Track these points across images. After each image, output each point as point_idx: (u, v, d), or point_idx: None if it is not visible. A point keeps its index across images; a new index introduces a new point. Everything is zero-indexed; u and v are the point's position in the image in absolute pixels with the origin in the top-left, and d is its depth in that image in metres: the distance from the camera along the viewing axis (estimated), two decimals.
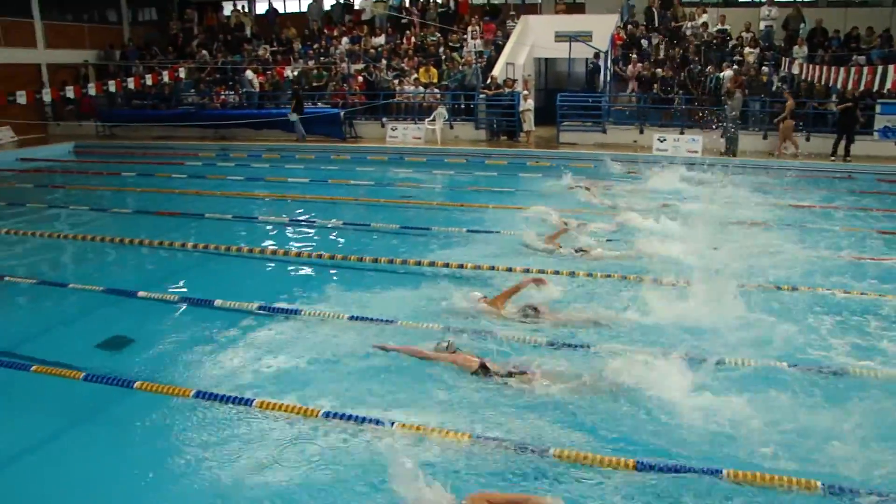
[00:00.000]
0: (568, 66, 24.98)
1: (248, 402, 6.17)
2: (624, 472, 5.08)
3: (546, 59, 26.49)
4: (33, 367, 7.07)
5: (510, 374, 6.37)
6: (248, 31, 30.38)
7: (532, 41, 24.95)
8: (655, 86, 22.43)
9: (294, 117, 23.35)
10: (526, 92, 22.36)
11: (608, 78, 23.09)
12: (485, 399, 6.14)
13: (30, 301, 9.67)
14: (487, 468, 5.14)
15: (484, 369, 6.43)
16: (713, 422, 5.67)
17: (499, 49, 25.00)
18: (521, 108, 22.09)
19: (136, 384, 6.62)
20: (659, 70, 22.66)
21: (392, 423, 5.63)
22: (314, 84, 25.67)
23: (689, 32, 24.20)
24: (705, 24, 23.99)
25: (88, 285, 9.73)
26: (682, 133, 20.95)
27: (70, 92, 23.64)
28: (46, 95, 23.83)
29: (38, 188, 17.84)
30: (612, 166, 17.78)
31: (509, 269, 9.62)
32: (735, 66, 21.71)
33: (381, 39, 27.56)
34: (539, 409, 5.97)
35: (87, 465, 5.64)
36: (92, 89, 24.35)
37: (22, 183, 18.63)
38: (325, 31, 29.01)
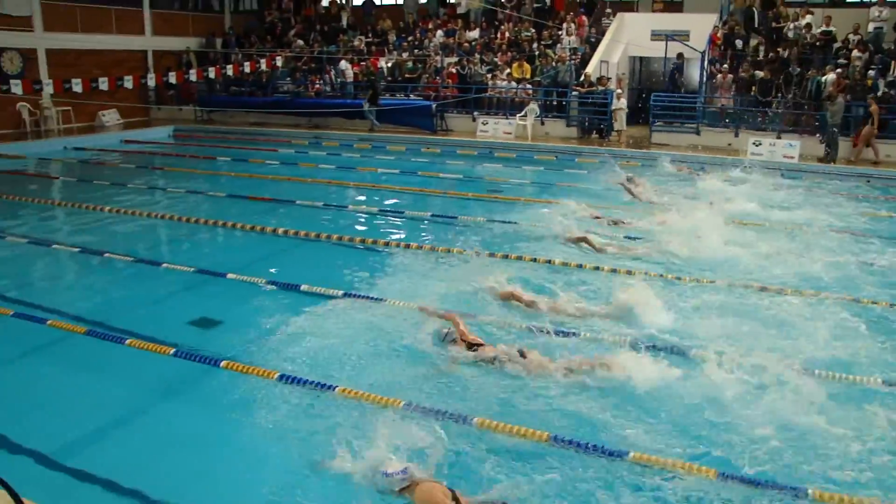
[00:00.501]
0: (663, 66, 24.46)
1: (330, 388, 6.26)
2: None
3: (641, 58, 25.99)
4: (128, 341, 7.33)
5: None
6: (344, 22, 30.78)
7: (627, 39, 24.51)
8: (753, 88, 21.75)
9: (368, 107, 23.71)
10: (619, 90, 22.00)
11: (704, 79, 22.51)
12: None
13: (126, 278, 10.02)
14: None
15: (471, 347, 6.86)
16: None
17: (593, 46, 24.67)
18: (613, 107, 21.77)
19: (223, 363, 6.78)
20: (758, 72, 21.95)
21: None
22: (407, 76, 25.84)
23: (791, 34, 23.35)
24: (809, 26, 23.09)
25: (181, 265, 10.04)
26: (778, 137, 20.25)
27: (173, 77, 24.41)
28: (151, 81, 24.65)
29: (139, 169, 18.50)
30: (672, 167, 17.56)
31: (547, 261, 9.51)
32: (838, 70, 20.84)
33: (475, 34, 27.54)
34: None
35: (171, 436, 5.81)
36: (193, 75, 25.09)
37: (125, 164, 19.35)
38: (421, 23, 29.18)
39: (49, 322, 7.92)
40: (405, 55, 26.94)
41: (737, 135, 21.23)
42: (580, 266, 9.81)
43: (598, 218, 12.30)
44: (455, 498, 4.44)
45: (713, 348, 6.81)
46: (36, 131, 23.56)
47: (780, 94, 21.34)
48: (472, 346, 6.87)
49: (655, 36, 23.85)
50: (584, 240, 10.69)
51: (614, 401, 6.14)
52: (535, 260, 10.06)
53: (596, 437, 5.58)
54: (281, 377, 6.45)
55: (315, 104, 25.23)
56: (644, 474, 5.12)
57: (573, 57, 24.28)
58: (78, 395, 6.49)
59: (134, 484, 5.08)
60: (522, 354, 6.65)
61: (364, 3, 32.36)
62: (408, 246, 10.88)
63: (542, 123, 23.08)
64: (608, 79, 22.60)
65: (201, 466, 5.28)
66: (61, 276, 10.54)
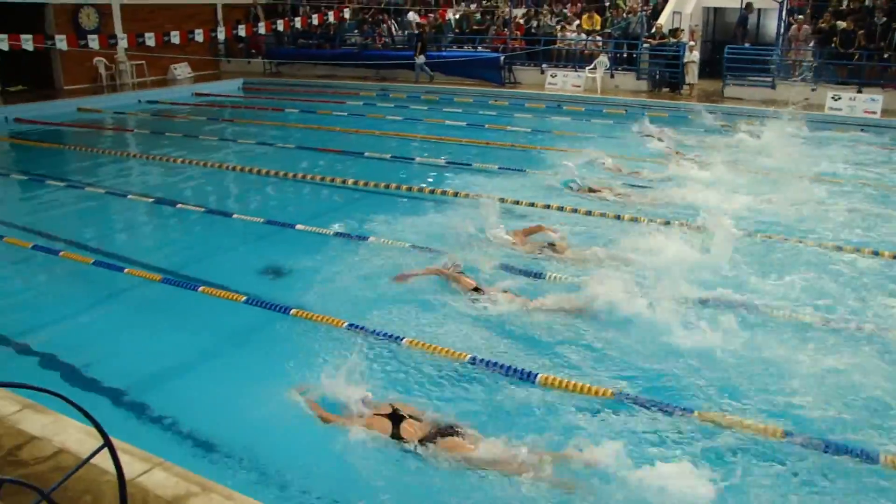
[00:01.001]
0: (739, 17, 23.54)
1: (397, 340, 6.29)
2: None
3: (715, 9, 25.05)
4: (200, 288, 7.47)
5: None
6: None
7: None
8: (834, 39, 20.79)
9: (420, 60, 23.61)
10: (692, 43, 21.28)
11: (781, 30, 21.59)
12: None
13: (198, 227, 10.22)
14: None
15: (477, 291, 7.10)
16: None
17: None
18: (685, 60, 21.09)
19: (293, 311, 6.86)
20: (839, 22, 20.95)
21: None
22: (475, 28, 25.49)
23: None
24: None
25: (250, 216, 10.17)
26: (859, 91, 19.35)
27: (242, 31, 24.55)
28: (220, 34, 24.84)
29: (209, 121, 18.74)
30: (706, 118, 17.18)
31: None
32: None
33: None
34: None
35: (239, 379, 5.91)
36: (262, 28, 25.18)
37: (196, 116, 19.63)
38: None
39: (126, 270, 8.13)
40: (473, 6, 26.55)
41: (814, 89, 20.38)
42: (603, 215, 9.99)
43: (619, 170, 12.41)
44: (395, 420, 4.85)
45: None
46: (111, 85, 24.05)
47: (862, 46, 20.36)
48: (476, 290, 7.14)
49: None
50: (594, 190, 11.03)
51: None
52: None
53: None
54: (350, 325, 6.50)
55: (382, 56, 25.12)
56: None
57: (645, 8, 23.57)
58: (153, 339, 6.65)
59: (199, 423, 5.22)
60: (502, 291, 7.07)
61: None
62: (477, 196, 10.82)
63: (612, 76, 22.54)
64: (681, 30, 21.89)
65: (265, 412, 5.34)
66: (136, 226, 10.80)
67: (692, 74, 21.03)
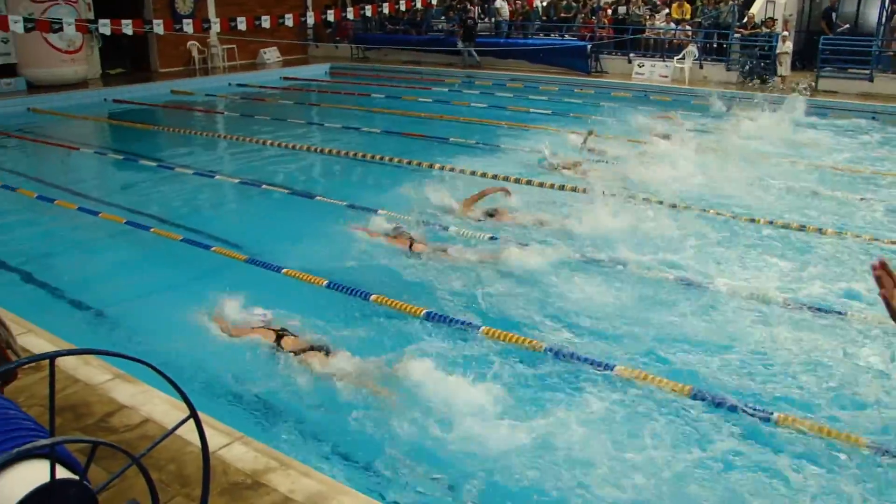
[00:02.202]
0: (824, 10, 22.58)
1: (475, 327, 6.30)
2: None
3: None
4: (284, 270, 7.60)
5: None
6: None
7: None
8: None
9: (464, 45, 24.08)
10: (785, 33, 20.53)
11: (884, 19, 20.61)
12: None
13: (283, 209, 10.40)
14: None
15: (411, 248, 8.14)
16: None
17: None
18: (778, 51, 20.36)
19: (373, 297, 6.92)
20: None
21: None
22: (563, 15, 25.20)
23: None
24: None
25: (334, 199, 10.29)
26: None
27: (331, 15, 24.84)
28: (310, 18, 25.18)
29: (297, 105, 19.05)
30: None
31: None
32: None
33: None
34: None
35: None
36: (350, 13, 25.43)
37: (284, 100, 19.99)
38: None
39: (213, 248, 8.33)
40: None
41: None
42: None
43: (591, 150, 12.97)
44: (279, 335, 5.99)
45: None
46: (203, 68, 24.69)
47: None
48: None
49: None
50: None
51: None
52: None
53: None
54: (427, 315, 6.53)
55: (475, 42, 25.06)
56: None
57: None
58: None
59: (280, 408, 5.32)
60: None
61: None
62: (562, 188, 10.73)
63: (701, 67, 21.96)
64: (774, 20, 21.16)
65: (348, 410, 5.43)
66: (223, 206, 11.08)
67: (785, 66, 20.32)
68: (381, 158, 12.71)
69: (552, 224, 9.01)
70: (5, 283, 7.71)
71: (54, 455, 1.95)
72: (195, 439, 2.41)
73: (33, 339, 5.46)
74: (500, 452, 4.65)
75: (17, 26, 16.94)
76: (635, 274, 7.52)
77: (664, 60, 22.06)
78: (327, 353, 5.78)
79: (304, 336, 6.07)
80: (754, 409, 5.11)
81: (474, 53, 24.30)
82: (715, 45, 22.49)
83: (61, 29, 18.03)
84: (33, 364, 2.28)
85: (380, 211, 9.41)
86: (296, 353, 5.82)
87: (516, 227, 9.01)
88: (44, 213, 10.02)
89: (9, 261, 8.24)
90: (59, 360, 2.10)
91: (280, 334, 6.03)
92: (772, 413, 5.06)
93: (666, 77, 21.53)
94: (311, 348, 5.85)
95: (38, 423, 2.38)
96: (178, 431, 2.31)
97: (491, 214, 9.37)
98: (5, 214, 10.08)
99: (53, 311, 6.95)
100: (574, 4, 25.29)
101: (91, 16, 20.93)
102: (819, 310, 6.71)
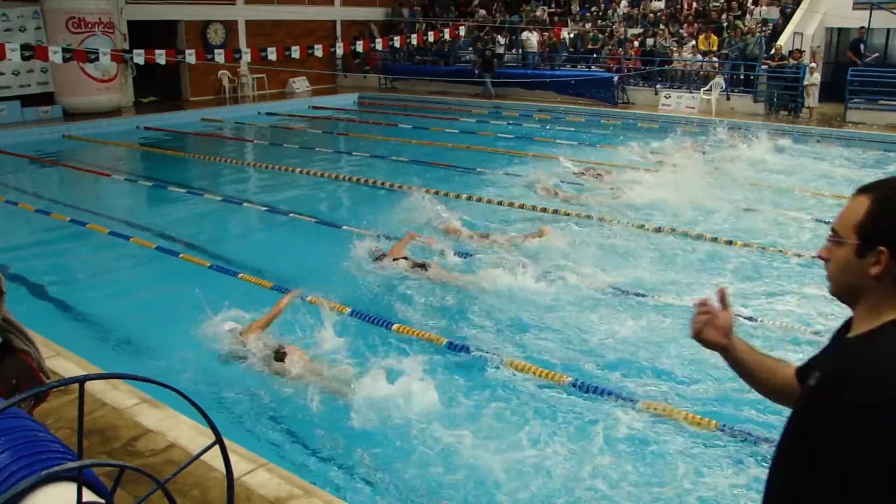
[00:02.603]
0: (851, 42, 22.49)
1: (498, 365, 6.29)
2: None
3: (839, 30, 24.05)
4: (308, 298, 7.64)
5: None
6: None
7: (825, 9, 22.74)
8: None
9: (481, 76, 24.77)
10: (813, 64, 20.45)
11: None
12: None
13: (309, 238, 10.46)
14: None
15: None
16: None
17: (786, 17, 23.09)
18: (805, 82, 20.28)
19: (395, 326, 6.96)
20: None
21: None
22: (590, 47, 25.31)
23: None
24: None
25: (361, 228, 10.32)
26: None
27: (360, 46, 25.15)
28: (339, 49, 25.51)
29: (325, 134, 19.24)
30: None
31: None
32: None
33: (660, 3, 26.53)
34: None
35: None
36: (379, 44, 25.73)
37: (312, 129, 20.20)
38: None
39: (240, 275, 8.41)
40: (588, 25, 26.39)
41: None
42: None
43: (582, 174, 13.51)
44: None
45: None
46: (234, 97, 25.05)
47: None
48: (396, 259, 8.53)
49: (858, 5, 21.95)
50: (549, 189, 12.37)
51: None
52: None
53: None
54: (448, 345, 6.53)
55: (496, 74, 25.24)
56: None
57: (764, 29, 22.85)
58: None
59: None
60: (425, 267, 8.37)
61: None
62: (588, 217, 10.73)
63: (728, 98, 21.94)
64: (801, 52, 21.11)
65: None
66: (250, 233, 11.17)
67: (812, 97, 20.23)
68: (410, 188, 12.74)
69: (512, 242, 9.44)
70: (36, 305, 7.82)
71: (81, 478, 1.97)
72: (220, 465, 2.42)
73: (62, 363, 5.53)
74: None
75: (55, 56, 17.34)
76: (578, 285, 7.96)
77: (691, 92, 22.06)
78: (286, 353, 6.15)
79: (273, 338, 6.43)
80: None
81: (489, 85, 24.58)
82: (742, 77, 22.47)
83: (97, 59, 18.41)
84: (62, 387, 2.31)
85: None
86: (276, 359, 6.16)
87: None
88: (76, 238, 10.21)
89: (40, 283, 8.37)
90: (88, 384, 2.13)
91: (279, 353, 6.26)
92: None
93: (693, 108, 21.51)
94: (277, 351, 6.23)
95: (66, 446, 2.41)
96: (203, 457, 2.32)
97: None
98: (38, 238, 10.27)
99: (82, 335, 7.05)
100: (601, 36, 25.40)
101: (126, 46, 21.36)
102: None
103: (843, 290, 2.00)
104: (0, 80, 19.70)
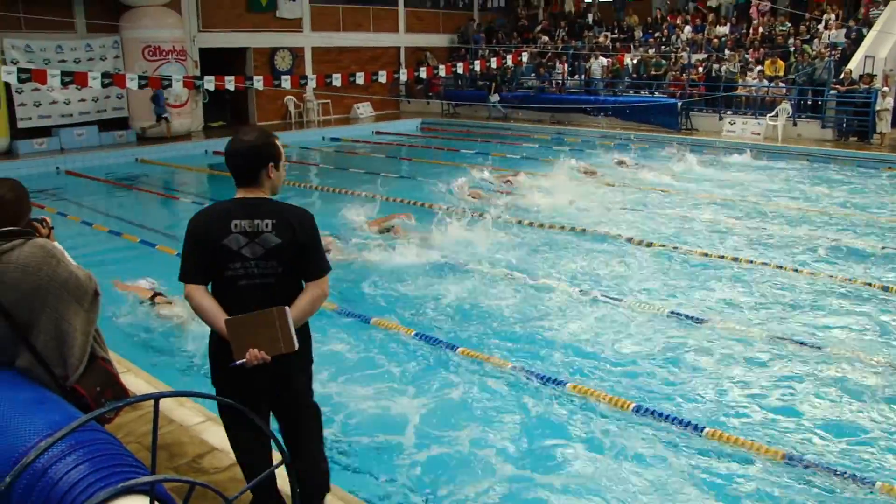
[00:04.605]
0: None
1: (563, 383, 6.27)
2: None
3: None
4: (373, 320, 7.73)
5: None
6: (590, 18, 30.55)
7: None
8: None
9: (494, 98, 26.31)
10: (886, 89, 19.96)
11: None
12: None
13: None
14: None
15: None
16: None
17: (855, 41, 22.60)
18: (877, 108, 19.79)
19: (460, 350, 7.01)
20: None
21: None
22: (653, 73, 25.17)
23: None
24: None
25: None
26: None
27: (423, 72, 25.47)
28: (403, 75, 25.87)
29: (389, 159, 19.47)
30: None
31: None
32: None
33: (725, 29, 26.28)
34: None
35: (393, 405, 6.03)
36: (442, 70, 26.03)
37: (376, 153, 20.47)
38: (668, 18, 28.30)
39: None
40: (651, 51, 26.26)
41: None
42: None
43: (507, 181, 15.31)
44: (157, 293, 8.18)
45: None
46: (299, 122, 25.57)
47: None
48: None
49: None
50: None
51: None
52: None
53: None
54: (514, 367, 6.53)
55: (559, 100, 25.30)
56: None
57: (833, 52, 22.40)
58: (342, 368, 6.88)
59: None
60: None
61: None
62: (650, 245, 10.66)
63: (795, 124, 21.54)
64: (873, 76, 20.61)
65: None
66: None
67: (885, 122, 19.75)
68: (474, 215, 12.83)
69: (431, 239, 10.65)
70: (108, 323, 8.05)
71: (154, 493, 2.05)
72: (284, 485, 2.48)
73: (132, 379, 5.70)
74: None
75: (132, 83, 17.96)
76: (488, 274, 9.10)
77: (756, 118, 21.74)
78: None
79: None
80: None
81: (499, 106, 25.90)
82: (809, 102, 22.06)
83: (170, 85, 19.01)
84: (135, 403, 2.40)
85: None
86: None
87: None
88: (145, 258, 10.51)
89: (112, 302, 8.61)
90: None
91: (155, 294, 8.09)
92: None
93: (758, 134, 21.20)
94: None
95: (139, 461, 2.50)
96: None
97: (387, 230, 11.44)
98: (111, 257, 10.60)
99: (151, 352, 7.24)
100: (663, 62, 25.25)
101: (198, 73, 22.01)
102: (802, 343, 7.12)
103: None
104: (80, 106, 20.55)
